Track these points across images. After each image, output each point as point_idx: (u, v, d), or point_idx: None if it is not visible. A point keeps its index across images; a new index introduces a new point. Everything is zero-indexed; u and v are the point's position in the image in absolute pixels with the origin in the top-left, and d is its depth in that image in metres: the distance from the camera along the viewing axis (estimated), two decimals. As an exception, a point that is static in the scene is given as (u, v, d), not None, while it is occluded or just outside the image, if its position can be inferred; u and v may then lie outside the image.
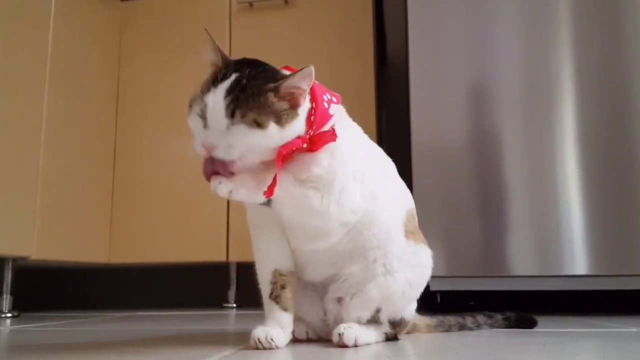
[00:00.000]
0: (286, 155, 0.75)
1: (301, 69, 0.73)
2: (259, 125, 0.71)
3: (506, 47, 1.53)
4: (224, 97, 0.71)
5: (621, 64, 1.47)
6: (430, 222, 1.43)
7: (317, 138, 0.77)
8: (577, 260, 1.41)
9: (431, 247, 0.91)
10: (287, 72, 0.77)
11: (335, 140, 0.78)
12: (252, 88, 0.72)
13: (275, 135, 0.73)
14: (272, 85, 0.73)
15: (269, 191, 0.73)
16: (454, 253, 1.47)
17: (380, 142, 0.95)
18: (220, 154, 0.72)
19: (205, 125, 0.72)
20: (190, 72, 2.04)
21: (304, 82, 0.74)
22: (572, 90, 1.48)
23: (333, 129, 0.78)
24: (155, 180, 2.00)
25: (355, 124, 0.89)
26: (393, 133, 2.21)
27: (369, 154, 0.88)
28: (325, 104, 0.79)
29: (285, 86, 0.73)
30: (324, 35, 1.98)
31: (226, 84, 0.72)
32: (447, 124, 1.52)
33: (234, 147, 0.72)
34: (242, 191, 0.75)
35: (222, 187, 0.73)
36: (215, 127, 0.72)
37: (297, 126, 0.75)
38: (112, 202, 2.02)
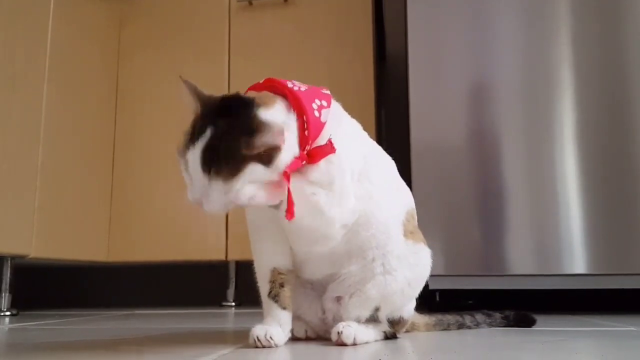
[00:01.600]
0: (288, 177, 0.74)
1: (272, 128, 0.70)
2: (234, 177, 0.70)
3: (506, 46, 1.53)
4: (200, 156, 0.71)
5: (621, 64, 1.47)
6: (429, 221, 1.43)
7: (314, 152, 0.76)
8: (576, 259, 1.41)
9: (430, 245, 0.91)
10: (267, 117, 0.73)
11: (334, 152, 0.77)
12: (225, 144, 0.70)
13: (250, 188, 0.72)
14: (244, 140, 0.70)
15: (290, 213, 0.73)
16: (453, 252, 1.47)
17: (379, 141, 0.95)
18: (205, 207, 0.72)
19: (190, 181, 0.73)
20: (190, 71, 2.04)
21: (277, 139, 0.71)
22: (571, 90, 1.48)
23: (330, 141, 0.77)
24: (154, 179, 2.00)
25: (353, 121, 0.88)
26: (392, 132, 2.21)
27: (366, 152, 0.87)
28: (316, 113, 0.76)
29: (258, 144, 0.70)
30: (323, 33, 1.97)
31: (202, 141, 0.71)
32: (447, 122, 1.52)
33: (215, 202, 0.71)
34: (261, 194, 0.73)
35: (214, 204, 0.72)
36: (197, 182, 0.72)
37: (286, 156, 0.73)
38: (111, 200, 2.01)
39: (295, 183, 0.75)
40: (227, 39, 2.04)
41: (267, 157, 0.71)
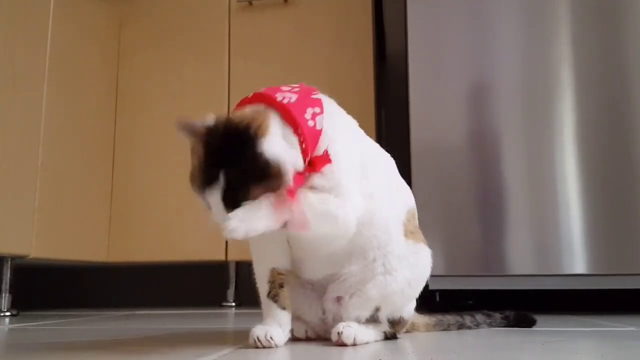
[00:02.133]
0: (294, 193, 0.75)
1: (283, 172, 0.72)
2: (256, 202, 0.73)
3: (505, 46, 1.53)
4: (220, 199, 0.73)
5: (620, 64, 1.47)
6: (429, 221, 1.43)
7: (314, 161, 0.77)
8: (576, 259, 1.41)
9: (430, 245, 0.91)
10: (268, 153, 0.73)
11: (330, 162, 0.77)
12: (242, 188, 0.72)
13: (271, 210, 0.74)
14: (255, 187, 0.72)
15: (303, 226, 0.75)
16: (453, 252, 1.47)
17: (379, 140, 0.95)
18: (234, 236, 0.73)
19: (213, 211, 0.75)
20: (190, 71, 2.04)
21: (288, 179, 0.73)
22: (571, 89, 1.48)
23: (327, 152, 0.78)
24: (154, 179, 2.00)
25: (348, 119, 0.87)
26: (392, 132, 2.21)
27: (365, 150, 0.87)
28: (310, 122, 0.76)
29: (273, 188, 0.73)
30: (323, 33, 1.97)
31: (218, 187, 0.72)
32: (447, 122, 1.52)
33: (242, 230, 0.73)
34: (258, 225, 0.74)
35: (237, 232, 0.73)
36: (220, 214, 0.74)
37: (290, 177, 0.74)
38: (111, 200, 2.01)
39: (301, 196, 0.75)
40: (227, 39, 2.04)
41: (275, 189, 0.73)
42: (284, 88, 0.80)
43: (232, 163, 0.72)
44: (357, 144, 0.86)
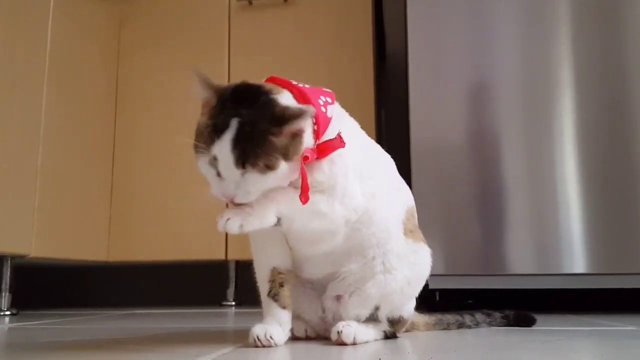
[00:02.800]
0: (307, 160, 0.75)
1: (303, 111, 0.71)
2: (270, 168, 0.71)
3: (505, 46, 1.53)
4: (231, 150, 0.69)
5: (620, 63, 1.47)
6: (429, 220, 1.43)
7: (323, 146, 0.77)
8: (575, 258, 1.41)
9: (430, 245, 0.91)
10: (285, 102, 0.74)
11: (343, 146, 0.78)
12: (256, 135, 0.70)
13: (285, 170, 0.73)
14: (275, 129, 0.71)
15: (304, 196, 0.74)
16: (453, 251, 1.47)
17: (379, 140, 0.95)
18: (239, 200, 0.73)
19: (218, 174, 0.72)
20: (189, 70, 2.04)
21: (305, 123, 0.73)
22: (571, 89, 1.48)
23: (340, 136, 0.78)
24: (154, 178, 2.00)
25: (352, 120, 0.88)
26: (392, 131, 2.21)
27: (366, 151, 0.88)
28: (323, 109, 0.78)
29: (288, 130, 0.72)
30: (323, 33, 1.97)
31: (229, 134, 0.70)
32: (447, 122, 1.52)
33: (252, 193, 0.73)
34: (252, 220, 0.74)
35: (232, 224, 0.73)
36: (229, 177, 0.71)
37: (303, 149, 0.75)
38: (111, 200, 2.01)
39: (290, 197, 0.75)
40: (227, 39, 2.04)
41: (294, 145, 0.72)
42: (295, 82, 0.81)
43: (248, 108, 0.71)
44: (360, 144, 0.86)
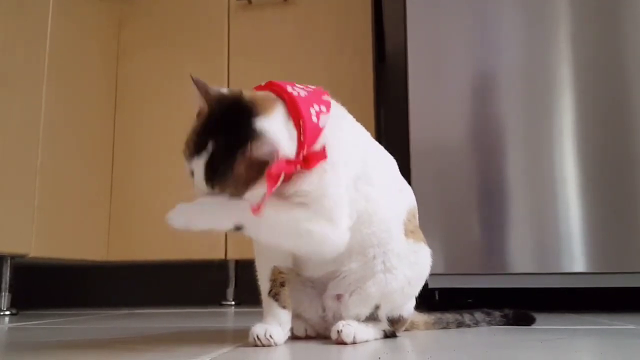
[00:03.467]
0: (276, 177, 0.72)
1: (271, 153, 0.71)
2: (236, 195, 0.72)
3: (505, 45, 1.53)
4: (203, 170, 0.72)
5: (620, 63, 1.47)
6: (428, 220, 1.43)
7: (310, 157, 0.76)
8: (575, 257, 1.41)
9: (429, 244, 0.91)
10: (266, 128, 0.73)
11: (325, 159, 0.76)
12: (225, 164, 0.71)
13: (253, 196, 0.73)
14: (243, 161, 0.71)
15: (257, 209, 0.72)
16: (453, 250, 1.47)
17: (378, 140, 0.95)
18: None
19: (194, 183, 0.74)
20: (189, 70, 2.04)
21: (269, 154, 0.71)
22: (570, 89, 1.48)
23: (324, 148, 0.77)
24: (154, 178, 2.00)
25: (355, 124, 0.88)
26: (392, 130, 2.21)
27: (368, 156, 0.87)
28: (314, 118, 0.76)
29: (254, 156, 0.71)
30: (322, 32, 1.98)
31: (204, 156, 0.72)
32: (446, 121, 1.52)
33: None
34: (200, 221, 0.74)
35: (177, 222, 0.74)
36: (201, 190, 0.74)
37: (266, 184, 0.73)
38: (111, 199, 2.01)
39: (280, 212, 0.75)
40: (227, 39, 2.04)
41: (260, 170, 0.71)
42: (299, 85, 0.81)
43: (225, 133, 0.72)
44: (360, 151, 0.85)
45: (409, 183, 0.99)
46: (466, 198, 1.48)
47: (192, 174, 0.74)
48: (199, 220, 0.74)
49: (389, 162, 0.93)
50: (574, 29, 1.50)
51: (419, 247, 0.89)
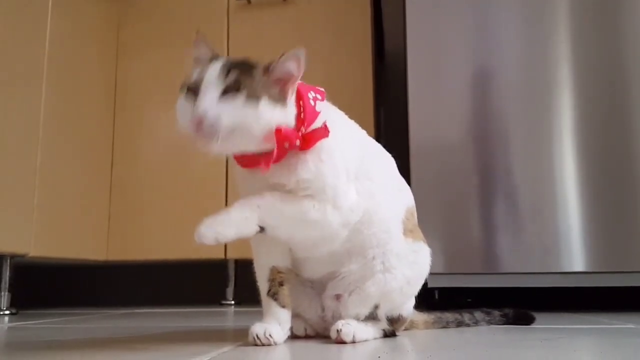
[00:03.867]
0: (284, 137, 0.74)
1: (290, 53, 0.76)
2: (251, 97, 0.72)
3: (505, 44, 1.53)
4: (220, 70, 0.73)
5: (620, 61, 1.47)
6: (428, 219, 1.43)
7: (309, 136, 0.77)
8: (574, 257, 1.41)
9: (429, 243, 0.91)
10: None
11: (327, 136, 0.77)
12: (245, 66, 0.75)
13: (266, 113, 0.73)
14: (264, 65, 0.76)
15: (266, 164, 0.74)
16: (452, 250, 1.47)
17: (378, 139, 0.95)
18: (207, 122, 0.70)
19: (196, 99, 0.72)
20: (189, 70, 2.04)
21: (294, 65, 0.76)
22: (570, 88, 1.48)
23: (325, 125, 0.78)
24: (153, 177, 2.00)
25: (349, 122, 0.88)
26: (391, 130, 2.21)
27: (365, 150, 0.87)
28: (312, 102, 0.78)
29: (276, 67, 0.75)
30: (322, 32, 1.97)
31: (221, 60, 0.75)
32: (446, 121, 1.52)
33: (222, 120, 0.71)
34: (229, 231, 0.75)
35: (207, 238, 0.73)
36: (206, 95, 0.72)
37: (288, 114, 0.75)
38: (110, 199, 2.01)
39: (274, 204, 0.76)
40: (226, 38, 2.04)
41: (282, 91, 0.75)
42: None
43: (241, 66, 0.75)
44: (357, 147, 0.85)
45: (409, 183, 0.99)
46: (466, 197, 1.48)
47: (201, 80, 0.73)
48: (226, 230, 0.74)
49: (388, 161, 0.93)
50: (573, 29, 1.50)
51: (419, 246, 0.89)
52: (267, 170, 0.74)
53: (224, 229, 0.74)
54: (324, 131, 0.77)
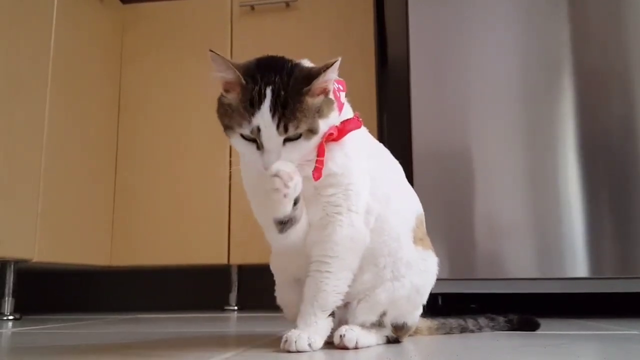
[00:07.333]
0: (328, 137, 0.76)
1: (329, 65, 0.75)
2: (313, 132, 0.73)
3: (507, 50, 1.53)
4: (271, 118, 0.71)
5: (622, 65, 1.47)
6: (431, 225, 1.42)
7: (341, 125, 0.78)
8: (578, 262, 1.41)
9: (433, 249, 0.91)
10: (309, 64, 0.80)
11: (360, 126, 0.80)
12: (292, 99, 0.72)
13: (323, 129, 0.75)
14: (307, 88, 0.73)
15: (317, 173, 0.75)
16: (456, 255, 1.46)
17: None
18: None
19: (259, 147, 0.73)
20: (191, 75, 2.05)
21: (333, 75, 0.76)
22: (572, 92, 1.48)
23: (357, 116, 0.80)
24: (157, 183, 2.00)
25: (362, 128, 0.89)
26: (394, 135, 2.21)
27: (377, 153, 0.88)
28: (338, 93, 0.80)
29: (318, 86, 0.74)
30: (325, 38, 1.98)
31: (267, 103, 0.71)
32: (448, 126, 1.52)
33: (294, 160, 0.73)
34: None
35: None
36: (272, 148, 0.72)
37: (336, 111, 0.77)
38: (114, 204, 2.02)
39: (340, 284, 0.80)
40: (230, 44, 2.05)
41: (326, 103, 0.75)
42: None
43: (276, 76, 0.74)
44: (369, 146, 0.87)
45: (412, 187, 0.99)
46: (469, 203, 1.48)
47: (257, 130, 0.71)
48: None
49: (397, 168, 0.93)
50: (576, 33, 1.50)
51: (427, 254, 0.89)
52: (319, 177, 0.75)
53: (316, 337, 0.78)
54: (356, 122, 0.79)
